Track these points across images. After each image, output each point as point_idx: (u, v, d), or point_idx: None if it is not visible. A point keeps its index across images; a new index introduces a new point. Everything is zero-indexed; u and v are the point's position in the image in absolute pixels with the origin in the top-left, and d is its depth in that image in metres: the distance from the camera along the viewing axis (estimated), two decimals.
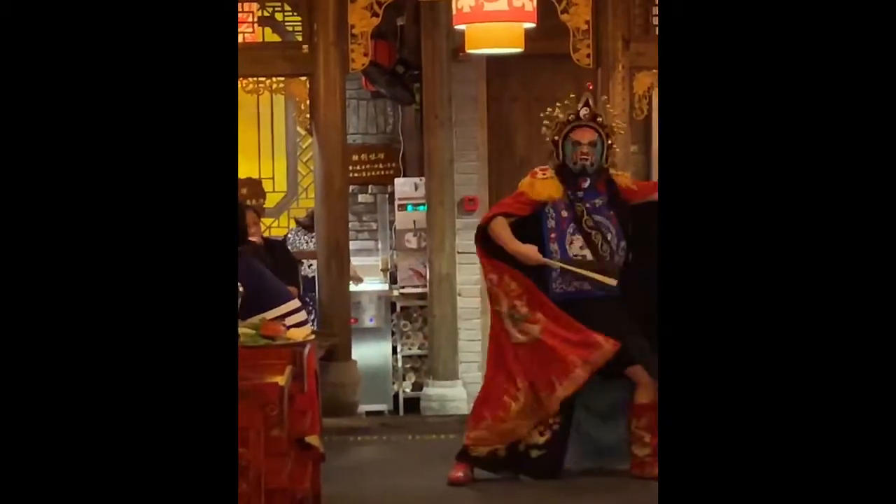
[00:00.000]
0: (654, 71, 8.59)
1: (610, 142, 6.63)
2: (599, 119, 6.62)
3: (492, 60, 9.54)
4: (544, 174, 6.61)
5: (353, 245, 9.52)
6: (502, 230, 6.55)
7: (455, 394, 9.23)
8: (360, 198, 10.38)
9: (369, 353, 9.67)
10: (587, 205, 6.54)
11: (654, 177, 9.56)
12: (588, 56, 8.43)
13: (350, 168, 9.83)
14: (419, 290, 9.67)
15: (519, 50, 7.72)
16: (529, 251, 6.47)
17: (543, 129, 6.68)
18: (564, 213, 6.55)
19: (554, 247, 6.54)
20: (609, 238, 6.53)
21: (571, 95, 6.72)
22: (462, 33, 7.79)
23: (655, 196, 6.64)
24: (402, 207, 9.84)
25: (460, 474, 6.53)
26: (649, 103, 8.71)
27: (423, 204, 9.50)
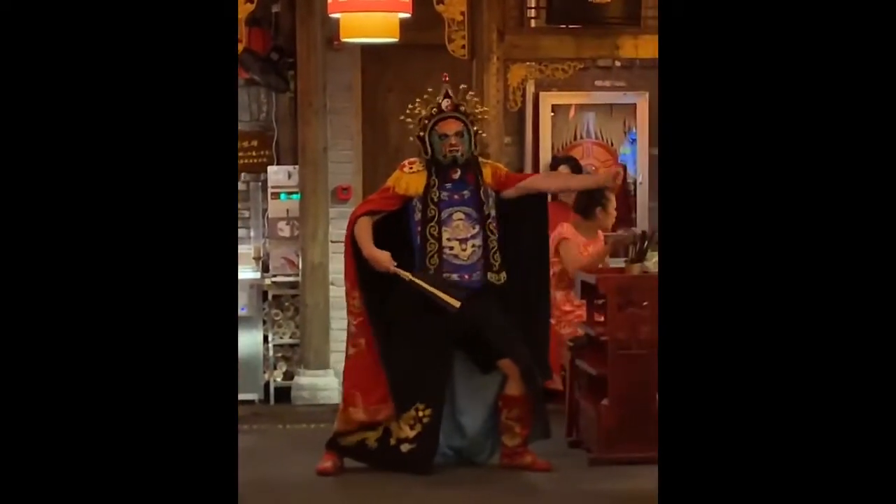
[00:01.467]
0: (528, 63, 8.67)
1: (475, 129, 6.60)
2: (462, 108, 6.59)
3: (367, 49, 9.51)
4: (412, 168, 6.59)
5: None
6: (362, 232, 6.50)
7: (326, 383, 9.20)
8: None
9: (240, 341, 9.58)
10: (455, 196, 6.53)
11: (528, 169, 9.63)
12: (463, 47, 8.47)
13: None
14: (291, 278, 9.62)
15: (394, 40, 7.70)
16: (382, 258, 6.43)
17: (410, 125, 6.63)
18: (435, 209, 6.52)
19: (419, 241, 6.52)
20: (470, 235, 6.52)
21: (430, 89, 6.68)
22: (337, 21, 7.75)
23: (526, 188, 6.68)
24: (276, 196, 9.76)
25: (329, 464, 6.50)
26: (523, 95, 8.78)
27: (297, 192, 9.45)
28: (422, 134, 6.61)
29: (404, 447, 6.46)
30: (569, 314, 7.35)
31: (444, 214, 6.51)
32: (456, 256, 6.48)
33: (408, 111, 6.67)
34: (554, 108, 9.94)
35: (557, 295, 7.39)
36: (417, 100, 6.70)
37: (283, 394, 9.57)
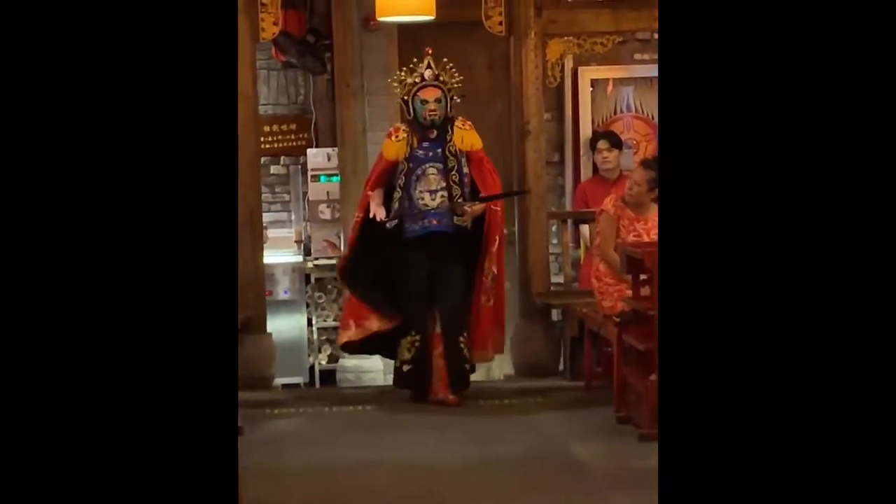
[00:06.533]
0: (566, 38, 8.59)
1: (451, 95, 7.56)
2: (441, 78, 7.54)
3: (403, 28, 9.49)
4: (398, 136, 7.61)
5: (266, 217, 9.43)
6: (371, 202, 7.60)
7: (370, 365, 9.19)
8: (273, 169, 10.26)
9: (284, 325, 9.60)
10: (430, 153, 7.53)
11: (569, 145, 9.62)
12: (500, 24, 8.41)
13: (262, 139, 9.73)
14: (333, 261, 9.62)
15: (430, 18, 7.66)
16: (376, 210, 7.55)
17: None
18: (409, 165, 7.55)
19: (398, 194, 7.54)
20: (440, 187, 7.50)
21: (415, 60, 7.58)
22: (373, 1, 7.71)
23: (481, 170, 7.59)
24: (315, 178, 9.77)
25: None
26: (562, 70, 8.71)
27: (337, 174, 9.44)
28: (406, 98, 7.56)
29: (405, 368, 7.69)
30: (611, 287, 7.29)
31: (420, 170, 7.52)
32: (426, 205, 7.49)
33: (393, 78, 7.63)
34: (593, 82, 9.87)
35: (601, 267, 7.35)
36: (403, 68, 7.64)
37: (329, 377, 9.58)
